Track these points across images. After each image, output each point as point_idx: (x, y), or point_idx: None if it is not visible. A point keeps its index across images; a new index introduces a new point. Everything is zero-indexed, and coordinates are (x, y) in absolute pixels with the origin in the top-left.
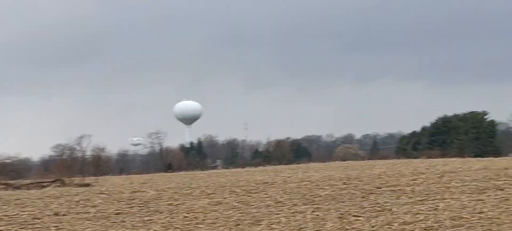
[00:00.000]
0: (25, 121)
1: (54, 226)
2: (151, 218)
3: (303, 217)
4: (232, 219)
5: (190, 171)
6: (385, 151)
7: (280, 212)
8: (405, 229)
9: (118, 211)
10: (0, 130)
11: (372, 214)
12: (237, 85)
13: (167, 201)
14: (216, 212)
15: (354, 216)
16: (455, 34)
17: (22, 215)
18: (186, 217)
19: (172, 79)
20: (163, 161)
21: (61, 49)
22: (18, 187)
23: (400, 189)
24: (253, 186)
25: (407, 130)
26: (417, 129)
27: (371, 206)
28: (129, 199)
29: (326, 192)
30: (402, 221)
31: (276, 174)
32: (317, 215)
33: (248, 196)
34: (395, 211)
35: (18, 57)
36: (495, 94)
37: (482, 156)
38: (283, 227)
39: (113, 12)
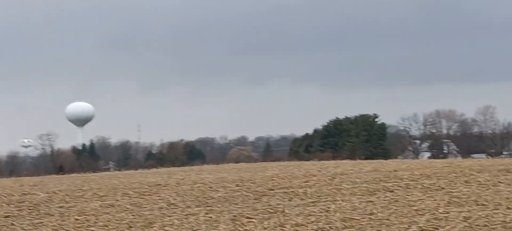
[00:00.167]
0: None
1: None
2: (42, 221)
3: (196, 219)
4: (124, 222)
5: (82, 173)
6: (278, 153)
7: (173, 214)
8: (297, 230)
9: (7, 214)
10: None
11: (265, 215)
12: (130, 87)
13: (58, 203)
14: (108, 215)
15: (247, 218)
16: (347, 38)
17: None
18: (77, 219)
19: (64, 81)
20: (55, 163)
21: None
22: None
23: (292, 191)
24: (146, 188)
25: (299, 132)
26: (310, 131)
27: (263, 208)
28: (19, 202)
29: (219, 194)
30: (294, 222)
31: (169, 176)
32: (210, 217)
33: (141, 198)
34: (287, 213)
35: None
36: (385, 97)
37: (372, 158)
38: (176, 229)
39: (5, 10)
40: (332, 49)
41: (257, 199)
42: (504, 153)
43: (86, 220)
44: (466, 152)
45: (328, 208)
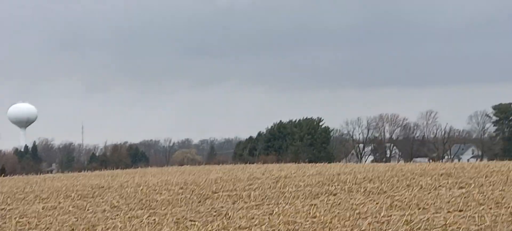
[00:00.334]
0: None
1: None
2: None
3: (139, 222)
4: (66, 224)
5: (24, 175)
6: (222, 156)
7: (116, 217)
8: None
9: None
10: None
11: (208, 218)
12: (74, 88)
13: None
14: (50, 217)
15: (191, 221)
16: (292, 41)
17: None
18: (19, 222)
19: (6, 81)
20: None
21: None
22: None
23: (236, 194)
24: (89, 191)
25: (244, 135)
26: (254, 134)
27: (207, 210)
28: None
29: (162, 197)
30: (238, 225)
31: (113, 178)
32: (154, 219)
33: (84, 200)
34: (231, 216)
35: None
36: (329, 101)
37: (316, 162)
38: None
39: None
40: (276, 52)
41: (200, 202)
42: (445, 157)
43: (28, 223)
44: (408, 156)
45: (272, 211)
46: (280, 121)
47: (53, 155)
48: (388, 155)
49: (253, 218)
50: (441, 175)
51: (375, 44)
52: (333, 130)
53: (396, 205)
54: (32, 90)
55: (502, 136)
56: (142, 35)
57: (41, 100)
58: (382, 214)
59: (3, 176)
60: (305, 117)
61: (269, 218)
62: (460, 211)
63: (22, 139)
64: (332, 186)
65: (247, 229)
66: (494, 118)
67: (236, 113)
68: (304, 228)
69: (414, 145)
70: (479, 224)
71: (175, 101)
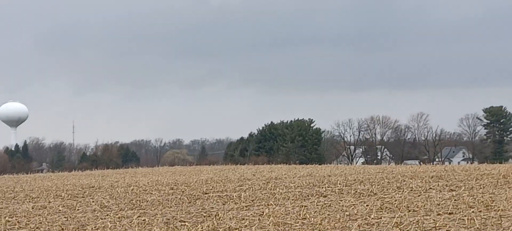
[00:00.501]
0: None
1: None
2: None
3: (129, 222)
4: (56, 224)
5: (14, 174)
6: (213, 157)
7: (106, 217)
8: None
9: None
10: None
11: (198, 219)
12: (66, 88)
13: None
14: (40, 217)
15: (181, 221)
16: (284, 43)
17: None
18: (8, 221)
19: None
20: None
21: None
22: None
23: (226, 195)
24: (79, 190)
25: (235, 136)
26: (245, 135)
27: (197, 211)
28: None
29: (153, 197)
30: (228, 226)
31: (103, 178)
32: (144, 220)
33: (74, 200)
34: (221, 217)
35: None
36: (321, 103)
37: (307, 163)
38: None
39: None
40: (268, 53)
41: (191, 203)
42: (436, 159)
43: (18, 222)
44: (399, 158)
45: (262, 212)
46: (271, 122)
47: (44, 154)
48: (379, 157)
49: (243, 219)
50: (432, 177)
51: (366, 46)
52: (324, 131)
53: (386, 207)
54: (23, 89)
55: (493, 139)
56: (134, 35)
57: (32, 99)
58: (372, 216)
59: None
60: (296, 118)
61: (259, 219)
62: (450, 213)
63: (13, 138)
64: (322, 187)
65: (237, 230)
66: (485, 121)
67: (228, 114)
68: (294, 229)
69: (405, 147)
70: (468, 227)
71: (167, 101)
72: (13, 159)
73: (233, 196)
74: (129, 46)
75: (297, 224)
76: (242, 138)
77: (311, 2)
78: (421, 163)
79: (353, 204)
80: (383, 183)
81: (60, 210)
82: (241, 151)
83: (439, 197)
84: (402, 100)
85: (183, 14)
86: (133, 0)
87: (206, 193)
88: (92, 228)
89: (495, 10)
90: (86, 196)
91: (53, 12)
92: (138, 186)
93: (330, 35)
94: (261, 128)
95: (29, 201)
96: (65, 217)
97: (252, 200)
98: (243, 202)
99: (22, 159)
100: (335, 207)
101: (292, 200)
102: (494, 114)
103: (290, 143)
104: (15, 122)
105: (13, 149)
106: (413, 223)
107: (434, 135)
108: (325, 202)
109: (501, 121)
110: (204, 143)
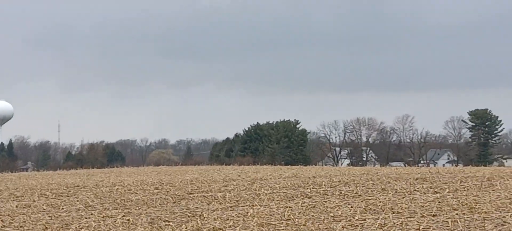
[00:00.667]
0: None
1: None
2: None
3: (113, 222)
4: (40, 223)
5: None
6: (199, 157)
7: (90, 216)
8: None
9: None
10: None
11: (183, 219)
12: (52, 87)
13: None
14: (24, 215)
15: (165, 221)
16: (271, 44)
17: None
18: None
19: None
20: None
21: None
22: None
23: (211, 195)
24: (64, 189)
25: (221, 136)
26: (231, 136)
27: (182, 211)
28: None
29: (137, 197)
30: (212, 226)
31: (88, 177)
32: (128, 219)
33: (58, 199)
34: (205, 217)
35: None
36: (307, 104)
37: (292, 164)
38: None
39: None
40: (255, 55)
41: (175, 203)
42: (421, 161)
43: (1, 221)
44: (384, 160)
45: (247, 212)
46: (257, 123)
47: (29, 153)
48: (364, 159)
49: (227, 219)
50: (416, 179)
51: (353, 49)
52: (310, 132)
53: (371, 209)
54: (9, 88)
55: (478, 142)
56: (122, 35)
57: (17, 98)
58: (356, 218)
59: None
60: (282, 119)
61: (243, 219)
62: (434, 215)
63: None
64: (307, 188)
65: (221, 230)
66: (470, 124)
67: (214, 114)
68: (278, 230)
69: (390, 149)
70: (452, 229)
71: (153, 102)
72: None
73: (218, 196)
74: (118, 46)
75: (282, 225)
76: (227, 139)
77: (299, 4)
78: (406, 165)
79: (338, 205)
80: (367, 185)
81: (44, 209)
82: (226, 152)
83: (423, 199)
84: (388, 102)
85: (172, 15)
86: (122, 0)
87: (191, 193)
88: (76, 227)
89: (481, 16)
90: (71, 195)
91: (41, 11)
92: (123, 185)
93: (317, 37)
94: (247, 129)
95: (14, 200)
96: (49, 216)
97: (237, 201)
98: (228, 202)
99: (7, 157)
100: (320, 208)
101: (277, 200)
102: (479, 117)
103: (276, 143)
104: (0, 120)
105: None
106: (397, 224)
107: (419, 137)
108: (310, 203)
109: (486, 123)
110: (189, 143)
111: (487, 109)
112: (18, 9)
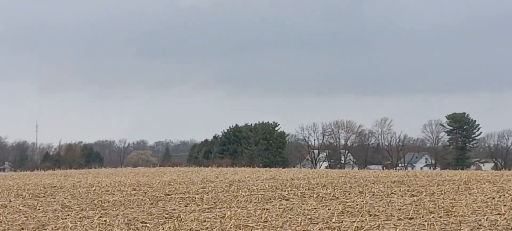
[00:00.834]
0: None
1: None
2: None
3: (90, 223)
4: (16, 223)
5: None
6: (177, 158)
7: (67, 217)
8: None
9: None
10: None
11: (160, 220)
12: (30, 87)
13: None
14: (0, 216)
15: (142, 222)
16: (251, 45)
17: None
18: None
19: None
20: None
21: None
22: None
23: (189, 197)
24: (41, 190)
25: (199, 138)
26: (209, 137)
27: (159, 212)
28: None
29: (115, 198)
30: (189, 228)
31: (66, 178)
32: (105, 220)
33: (35, 200)
34: (182, 219)
35: None
36: (285, 106)
37: (271, 166)
38: None
39: None
40: (234, 57)
41: (153, 204)
42: (399, 165)
43: None
44: (363, 163)
45: (224, 214)
46: (236, 125)
47: (6, 153)
48: (342, 162)
49: (205, 221)
50: (394, 182)
51: (333, 51)
52: (288, 135)
53: (348, 211)
54: None
55: (456, 145)
56: (101, 35)
57: None
58: (333, 220)
59: None
60: (261, 121)
61: (220, 221)
62: (411, 219)
63: None
64: (285, 190)
65: None
66: (448, 127)
67: (193, 116)
68: None
69: (368, 152)
70: None
71: (132, 102)
72: None
73: (195, 198)
74: (97, 46)
75: (259, 227)
76: (206, 140)
77: (279, 7)
78: (384, 168)
79: (315, 208)
80: (345, 187)
81: (20, 210)
82: (205, 153)
83: (401, 202)
84: (366, 105)
85: (152, 15)
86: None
87: (168, 195)
88: (52, 228)
89: (459, 20)
90: (48, 195)
91: (19, 10)
92: (100, 186)
93: (296, 39)
94: (225, 131)
95: None
96: (25, 217)
97: (215, 202)
98: (206, 204)
99: None
100: (297, 211)
101: (255, 202)
102: (457, 121)
103: (254, 146)
104: None
105: None
106: (374, 227)
107: (397, 141)
108: (287, 205)
109: (464, 127)
110: (168, 145)
111: (465, 113)
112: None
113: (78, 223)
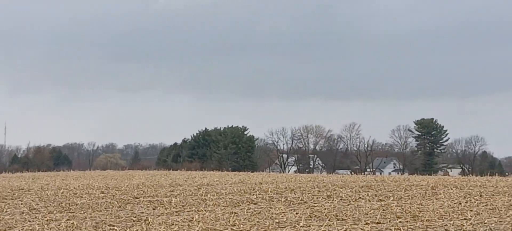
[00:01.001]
0: None
1: None
2: None
3: (58, 225)
4: None
5: None
6: (146, 162)
7: (34, 219)
8: None
9: None
10: None
11: (128, 223)
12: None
13: None
14: None
15: (110, 225)
16: (221, 49)
17: None
18: None
19: None
20: None
21: None
22: None
23: (157, 200)
24: (8, 192)
25: (169, 141)
26: (179, 141)
27: (127, 216)
28: None
29: (83, 201)
30: None
31: (34, 180)
32: (72, 223)
33: (2, 202)
34: (150, 222)
35: None
36: (255, 110)
37: (239, 170)
38: None
39: None
40: (204, 60)
41: (121, 207)
42: (367, 169)
43: None
44: (331, 167)
45: (192, 218)
46: (205, 129)
47: None
48: (311, 166)
49: (172, 224)
50: (362, 187)
51: (302, 56)
52: (257, 139)
53: (316, 216)
54: None
55: (424, 151)
56: (71, 37)
57: None
58: (301, 224)
59: None
60: (230, 125)
61: (188, 224)
62: (378, 223)
63: None
64: (253, 194)
65: None
66: (416, 133)
67: (162, 119)
68: None
69: (337, 157)
70: None
71: (101, 105)
72: None
73: (163, 201)
74: (68, 49)
75: (226, 230)
76: (175, 144)
77: (250, 10)
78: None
79: (283, 212)
80: (313, 192)
81: None
82: (174, 157)
83: (368, 207)
84: (335, 110)
85: (124, 18)
86: (73, 3)
87: (137, 198)
88: (19, 230)
89: (428, 25)
90: (15, 198)
91: None
92: (68, 189)
93: (267, 43)
94: (195, 134)
95: None
96: None
97: (183, 206)
98: (174, 208)
99: None
100: (265, 214)
101: (223, 206)
102: (425, 127)
103: (223, 149)
104: None
105: None
106: None
107: (366, 146)
108: (255, 209)
109: (432, 133)
110: (137, 148)
111: (433, 119)
112: None
113: (46, 225)
